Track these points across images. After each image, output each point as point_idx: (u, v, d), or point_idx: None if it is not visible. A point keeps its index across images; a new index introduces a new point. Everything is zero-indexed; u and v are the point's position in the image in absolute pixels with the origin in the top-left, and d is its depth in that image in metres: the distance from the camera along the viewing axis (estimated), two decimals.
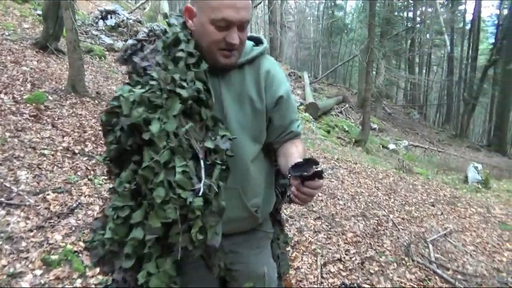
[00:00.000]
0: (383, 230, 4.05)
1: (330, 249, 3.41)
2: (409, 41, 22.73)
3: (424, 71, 26.45)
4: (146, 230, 0.96)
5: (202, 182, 0.97)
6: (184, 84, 1.02)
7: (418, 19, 22.48)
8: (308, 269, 3.02)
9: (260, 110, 1.19)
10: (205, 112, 1.06)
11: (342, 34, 27.69)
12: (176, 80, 1.02)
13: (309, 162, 0.96)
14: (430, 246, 3.80)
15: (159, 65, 1.05)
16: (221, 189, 1.02)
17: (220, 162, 1.02)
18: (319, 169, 0.93)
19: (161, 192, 0.93)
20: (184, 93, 1.00)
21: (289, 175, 1.00)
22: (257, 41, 1.26)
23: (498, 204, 6.25)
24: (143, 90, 0.99)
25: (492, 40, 23.17)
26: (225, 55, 1.08)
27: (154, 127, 0.95)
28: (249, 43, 1.21)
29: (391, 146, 12.03)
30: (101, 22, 9.06)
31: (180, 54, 1.06)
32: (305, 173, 0.93)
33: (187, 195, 0.94)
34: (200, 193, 0.95)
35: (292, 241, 3.39)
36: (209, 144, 1.02)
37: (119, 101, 0.99)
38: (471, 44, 21.44)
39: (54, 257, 2.29)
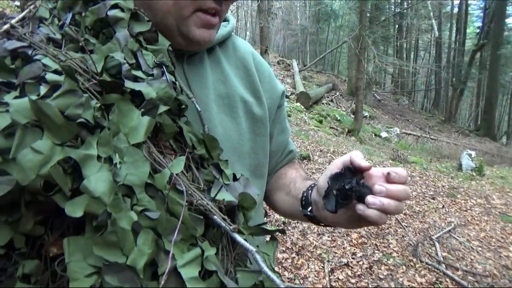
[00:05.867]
0: (387, 229, 3.93)
1: (335, 253, 3.28)
2: (396, 26, 22.64)
3: (412, 56, 26.43)
4: None
5: None
6: (140, 73, 0.48)
7: (405, 4, 22.34)
8: (316, 277, 2.88)
9: (261, 119, 0.77)
10: (186, 129, 0.53)
11: (330, 21, 27.39)
12: (118, 62, 0.47)
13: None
14: (437, 244, 3.70)
15: (64, 38, 0.49)
16: None
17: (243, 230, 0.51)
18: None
19: None
20: (148, 89, 0.46)
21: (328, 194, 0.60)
22: None
23: (494, 192, 6.23)
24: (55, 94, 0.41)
25: (478, 24, 23.30)
26: (205, 21, 0.61)
27: (94, 180, 0.39)
28: None
29: (383, 134, 11.96)
30: None
31: (117, 13, 0.50)
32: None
33: None
34: None
35: (297, 246, 3.24)
36: (221, 196, 0.49)
37: None
38: (458, 28, 21.45)
39: None
